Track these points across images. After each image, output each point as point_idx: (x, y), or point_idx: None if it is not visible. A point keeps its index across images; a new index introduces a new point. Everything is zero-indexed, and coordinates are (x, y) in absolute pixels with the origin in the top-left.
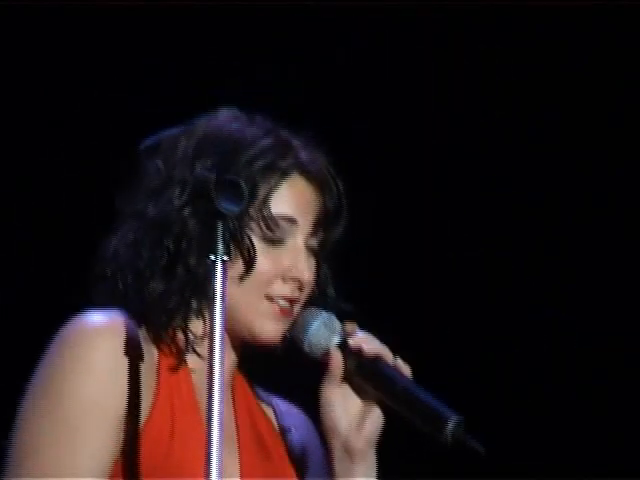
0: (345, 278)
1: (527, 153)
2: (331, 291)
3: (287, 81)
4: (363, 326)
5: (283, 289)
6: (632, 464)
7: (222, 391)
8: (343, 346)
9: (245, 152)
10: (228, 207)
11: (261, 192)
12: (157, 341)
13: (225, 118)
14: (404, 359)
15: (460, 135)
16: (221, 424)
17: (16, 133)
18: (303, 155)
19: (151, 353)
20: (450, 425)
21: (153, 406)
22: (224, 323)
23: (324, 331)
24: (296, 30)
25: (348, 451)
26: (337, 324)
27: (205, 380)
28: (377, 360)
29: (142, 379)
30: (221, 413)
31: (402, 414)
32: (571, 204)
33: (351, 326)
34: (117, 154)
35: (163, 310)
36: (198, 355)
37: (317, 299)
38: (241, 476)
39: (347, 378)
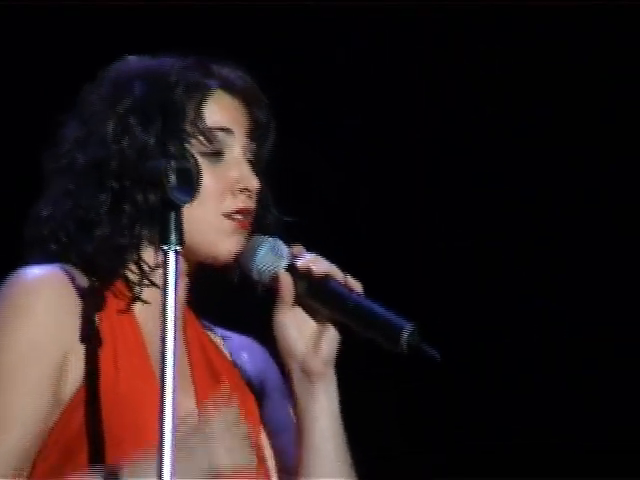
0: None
1: (521, 148)
2: (273, 209)
3: (286, 80)
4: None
5: (236, 202)
6: (631, 463)
7: (175, 341)
8: (291, 269)
9: (166, 77)
10: (180, 197)
11: (191, 108)
12: (104, 285)
13: (135, 59)
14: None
15: (459, 134)
16: (174, 363)
17: None
18: (225, 72)
19: (94, 300)
20: (405, 334)
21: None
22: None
23: (271, 256)
24: (295, 30)
25: (306, 372)
26: (284, 248)
27: (159, 314)
28: (327, 279)
29: (80, 324)
30: (174, 354)
31: (356, 329)
32: (564, 197)
33: (298, 248)
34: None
35: (114, 249)
36: (154, 284)
37: (262, 223)
38: (197, 405)
39: (298, 300)
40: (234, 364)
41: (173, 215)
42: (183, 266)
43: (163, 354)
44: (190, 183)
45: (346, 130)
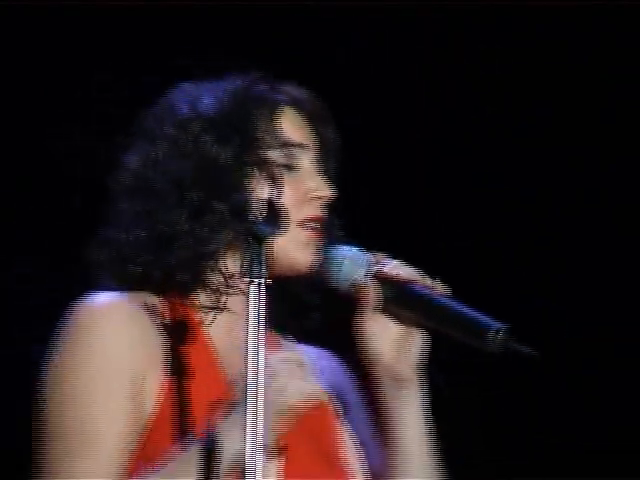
0: None
1: (521, 148)
2: (337, 220)
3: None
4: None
5: (311, 210)
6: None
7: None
8: (374, 276)
9: (235, 93)
10: (266, 230)
11: (264, 121)
12: (181, 304)
13: (191, 84)
14: None
15: (459, 134)
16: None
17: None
18: (290, 89)
19: (165, 326)
20: (497, 332)
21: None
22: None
23: (354, 265)
24: (295, 30)
25: (395, 379)
26: (365, 256)
27: (238, 326)
28: (413, 284)
29: (151, 352)
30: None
31: (445, 331)
32: (564, 197)
33: (379, 256)
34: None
35: (197, 257)
36: (235, 291)
37: (331, 233)
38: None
39: (382, 307)
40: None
41: (259, 248)
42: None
43: (246, 386)
44: (275, 216)
45: (346, 130)
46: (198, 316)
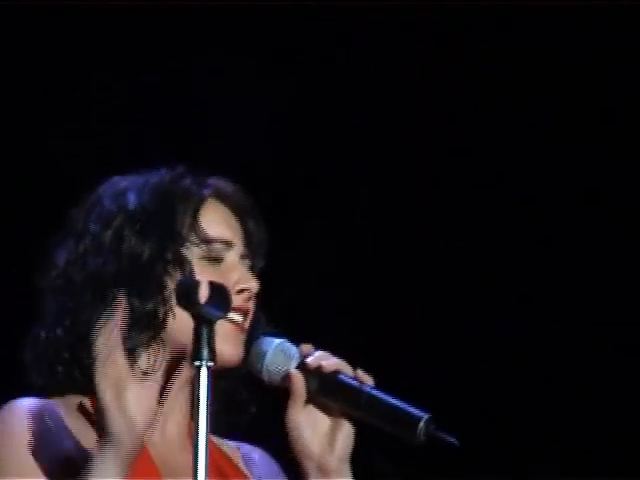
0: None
1: (521, 148)
2: (262, 315)
3: (286, 81)
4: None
5: (236, 301)
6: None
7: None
8: (302, 367)
9: (158, 187)
10: (213, 312)
11: (187, 216)
12: None
13: (121, 178)
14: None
15: (458, 135)
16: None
17: None
18: (216, 182)
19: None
20: (422, 424)
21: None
22: (175, 356)
23: (281, 357)
24: (295, 30)
25: (323, 471)
26: (292, 347)
27: (168, 414)
28: (338, 374)
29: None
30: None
31: (371, 423)
32: (564, 198)
33: (307, 347)
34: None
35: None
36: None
37: (256, 328)
38: None
39: (310, 398)
40: (246, 474)
41: (206, 331)
42: (186, 375)
43: (195, 472)
44: (224, 299)
45: (346, 130)
46: None
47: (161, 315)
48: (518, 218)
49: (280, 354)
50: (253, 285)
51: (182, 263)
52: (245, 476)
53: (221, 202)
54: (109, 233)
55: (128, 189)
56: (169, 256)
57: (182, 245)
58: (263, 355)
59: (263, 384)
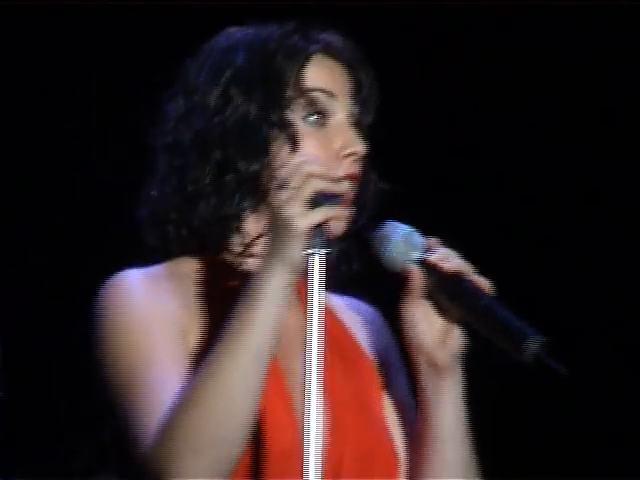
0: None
1: (521, 149)
2: (375, 176)
3: None
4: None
5: (343, 169)
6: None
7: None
8: (423, 262)
9: (266, 44)
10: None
11: (292, 73)
12: (215, 266)
13: (235, 30)
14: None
15: (458, 135)
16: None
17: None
18: (326, 36)
19: (203, 289)
20: (532, 343)
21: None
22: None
23: (404, 245)
24: None
25: (434, 366)
26: (418, 238)
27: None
28: (457, 277)
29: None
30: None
31: (482, 332)
32: (564, 198)
33: (433, 241)
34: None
35: (219, 219)
36: (253, 256)
37: (364, 194)
38: (324, 391)
39: (428, 294)
40: (353, 335)
41: (317, 229)
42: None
43: (306, 362)
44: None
45: None
46: (233, 279)
47: (264, 179)
48: (518, 219)
49: (404, 243)
50: (359, 149)
51: (285, 125)
52: (353, 340)
53: (330, 57)
54: (216, 90)
55: (239, 44)
56: (274, 117)
57: (287, 106)
58: (387, 240)
59: (384, 267)
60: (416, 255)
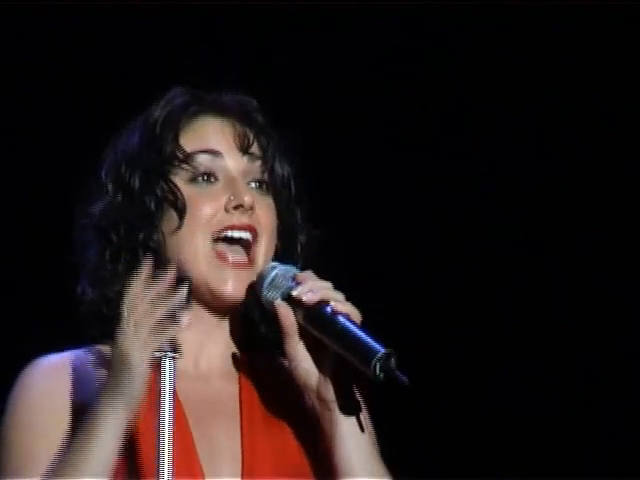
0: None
1: (520, 148)
2: (299, 234)
3: (286, 81)
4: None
5: (226, 218)
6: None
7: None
8: (290, 298)
9: (153, 112)
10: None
11: (170, 140)
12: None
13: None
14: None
15: (458, 135)
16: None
17: None
18: (219, 98)
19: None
20: (378, 359)
21: None
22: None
23: (276, 284)
24: (295, 29)
25: (324, 401)
26: (290, 275)
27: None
28: (319, 306)
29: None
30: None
31: (342, 355)
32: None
33: (302, 275)
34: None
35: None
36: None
37: (286, 246)
38: (243, 456)
39: (303, 330)
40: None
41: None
42: (208, 310)
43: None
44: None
45: (347, 130)
46: None
47: (154, 244)
48: (517, 220)
49: (277, 281)
50: (245, 200)
51: (167, 194)
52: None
53: (217, 115)
54: (113, 165)
55: (138, 121)
56: (156, 188)
57: (170, 173)
58: (263, 281)
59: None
60: (285, 292)
